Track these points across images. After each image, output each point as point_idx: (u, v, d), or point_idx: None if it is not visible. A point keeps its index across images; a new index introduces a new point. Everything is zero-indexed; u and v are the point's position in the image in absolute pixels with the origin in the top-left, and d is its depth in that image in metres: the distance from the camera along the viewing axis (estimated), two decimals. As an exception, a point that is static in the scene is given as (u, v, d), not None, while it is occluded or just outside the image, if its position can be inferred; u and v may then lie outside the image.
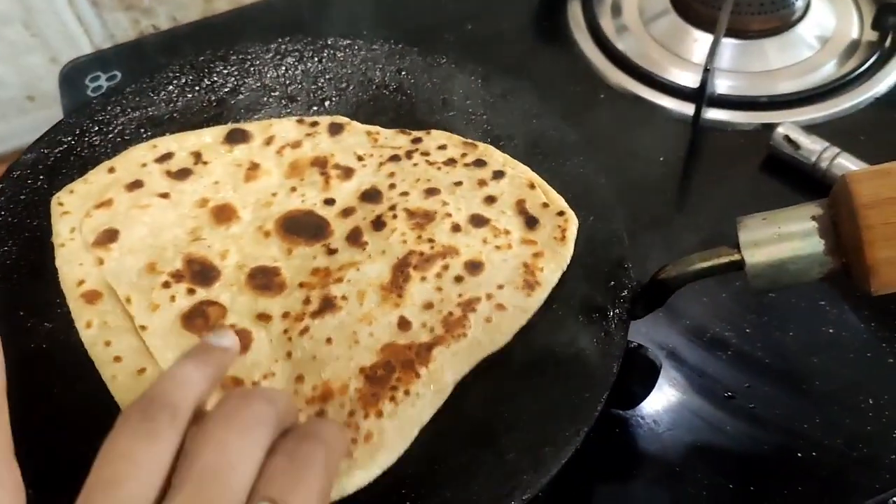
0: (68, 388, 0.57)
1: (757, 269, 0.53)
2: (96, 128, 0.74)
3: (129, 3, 1.06)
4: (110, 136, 0.73)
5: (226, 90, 0.77)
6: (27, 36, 1.03)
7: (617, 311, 0.59)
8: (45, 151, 0.71)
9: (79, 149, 0.72)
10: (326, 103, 0.76)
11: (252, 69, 0.78)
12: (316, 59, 0.78)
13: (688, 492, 0.63)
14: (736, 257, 0.54)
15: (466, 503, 0.52)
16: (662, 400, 0.68)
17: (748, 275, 0.54)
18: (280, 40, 0.79)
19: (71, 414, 0.56)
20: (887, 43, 0.90)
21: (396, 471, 0.54)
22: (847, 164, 0.76)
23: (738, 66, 0.91)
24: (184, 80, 0.77)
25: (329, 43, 0.78)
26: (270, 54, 0.78)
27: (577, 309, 0.61)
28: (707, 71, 0.80)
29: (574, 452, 0.53)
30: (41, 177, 0.70)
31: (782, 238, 0.52)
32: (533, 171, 0.68)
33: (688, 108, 0.87)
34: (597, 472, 0.65)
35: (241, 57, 0.78)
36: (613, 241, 0.63)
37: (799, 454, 0.64)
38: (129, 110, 0.75)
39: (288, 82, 0.77)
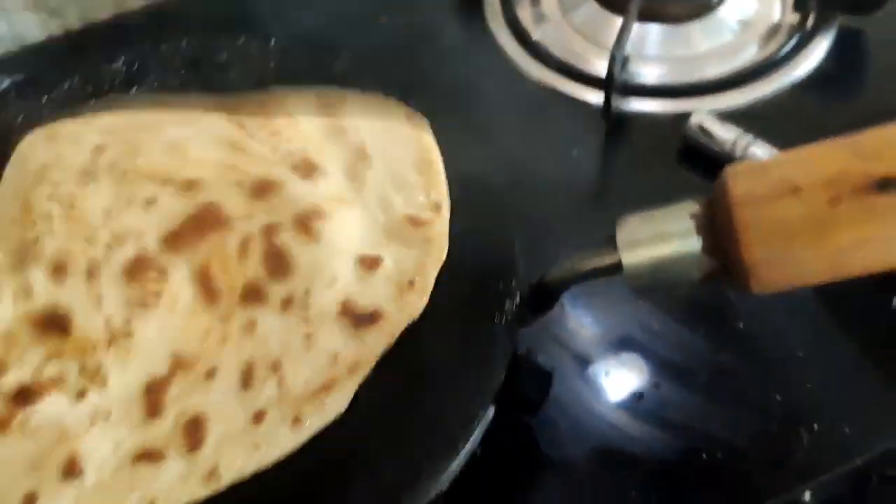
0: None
1: (635, 271, 0.50)
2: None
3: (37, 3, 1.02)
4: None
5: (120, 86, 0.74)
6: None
7: (505, 315, 0.56)
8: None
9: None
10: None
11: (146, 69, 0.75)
12: (209, 57, 0.75)
13: (592, 496, 0.61)
14: (616, 258, 0.52)
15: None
16: (567, 403, 0.65)
17: (626, 275, 0.51)
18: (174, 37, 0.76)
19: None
20: (808, 24, 0.88)
21: (270, 485, 0.51)
22: (760, 152, 0.73)
23: (664, 52, 0.88)
24: (75, 79, 0.74)
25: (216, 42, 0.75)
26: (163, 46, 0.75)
27: (465, 314, 0.58)
28: (613, 57, 0.77)
29: (474, 456, 0.51)
30: None
31: (661, 238, 0.50)
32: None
33: (596, 97, 0.84)
34: (496, 482, 0.62)
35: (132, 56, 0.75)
36: (504, 242, 0.60)
37: (704, 456, 0.61)
38: (18, 110, 0.73)
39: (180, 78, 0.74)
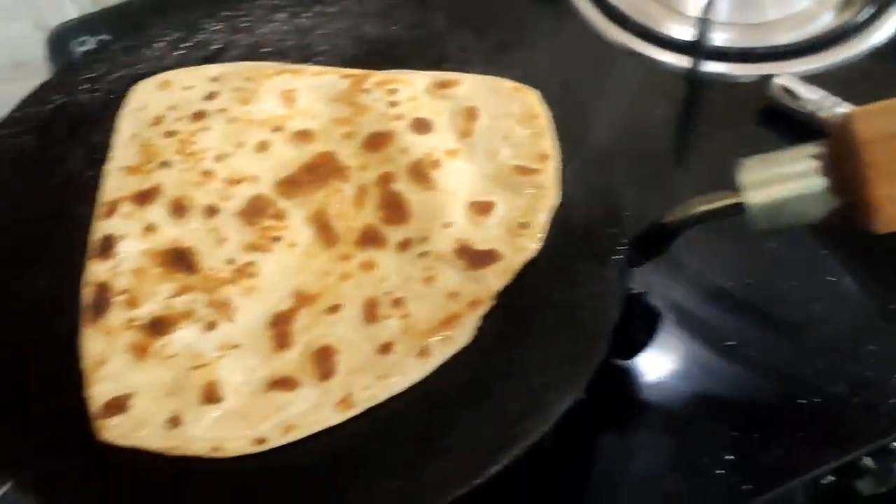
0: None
1: (757, 211, 0.52)
2: (85, 85, 0.72)
3: (116, -35, 1.05)
4: (98, 93, 0.72)
5: (216, 47, 0.76)
6: (10, 0, 1.02)
7: (616, 257, 0.58)
8: (34, 109, 0.70)
9: (68, 106, 0.71)
10: (319, 58, 0.74)
11: (243, 26, 0.76)
12: (307, 14, 0.76)
13: (691, 440, 0.63)
14: (736, 200, 0.54)
15: (468, 451, 0.51)
16: (663, 350, 0.68)
17: (749, 216, 0.53)
18: (270, -3, 0.77)
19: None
20: (885, -8, 0.89)
21: (399, 413, 0.53)
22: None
23: (735, 19, 0.90)
24: (173, 38, 0.76)
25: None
26: (261, 11, 0.76)
27: (577, 255, 0.60)
28: (704, 21, 0.79)
29: (576, 401, 0.53)
30: (31, 134, 0.69)
31: (783, 178, 0.52)
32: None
33: (684, 62, 0.86)
34: (599, 422, 0.64)
35: (230, 14, 0.77)
36: (612, 190, 0.62)
37: (801, 401, 0.64)
38: (117, 68, 0.74)
39: (280, 38, 0.76)
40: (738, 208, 0.53)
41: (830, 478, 0.65)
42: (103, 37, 0.99)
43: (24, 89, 1.07)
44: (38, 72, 1.07)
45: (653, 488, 0.61)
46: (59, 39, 0.99)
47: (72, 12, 1.05)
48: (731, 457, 0.61)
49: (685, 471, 0.62)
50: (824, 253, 0.70)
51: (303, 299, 0.60)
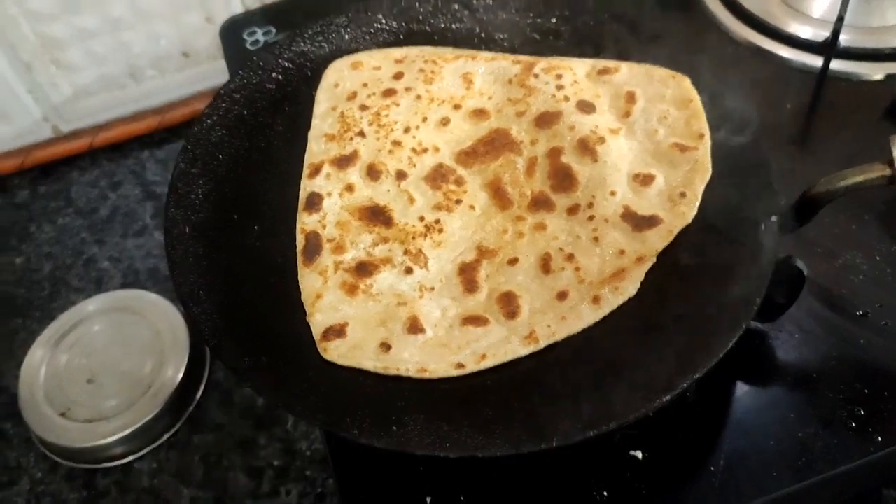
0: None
1: (909, 182, 0.59)
2: (284, 64, 0.83)
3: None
4: (292, 72, 0.83)
5: (391, 37, 0.85)
6: (185, -4, 1.14)
7: (768, 225, 0.65)
8: (243, 83, 0.80)
9: (270, 81, 0.81)
10: (488, 47, 0.84)
11: (415, 15, 0.86)
12: (479, 6, 0.86)
13: (825, 395, 0.69)
14: (888, 171, 0.60)
15: (642, 382, 0.59)
16: (798, 317, 0.74)
17: (900, 188, 0.59)
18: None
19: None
20: None
21: (578, 350, 0.61)
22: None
23: (857, 22, 0.95)
24: (353, 27, 0.86)
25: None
26: (435, 2, 0.86)
27: (731, 222, 0.67)
28: (840, 21, 0.85)
29: (727, 352, 0.60)
30: (240, 104, 0.79)
31: (934, 153, 0.58)
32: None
33: (809, 59, 0.93)
34: (740, 376, 0.71)
35: (408, 4, 0.86)
36: (761, 164, 0.69)
37: (933, 366, 0.69)
38: (308, 51, 0.84)
39: (451, 28, 0.85)
40: (890, 180, 0.60)
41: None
42: (269, 28, 1.10)
43: (191, 77, 1.21)
44: (205, 60, 1.20)
45: (789, 435, 0.67)
46: (231, 31, 1.10)
47: (237, 8, 1.16)
48: (863, 411, 0.67)
49: (819, 422, 0.68)
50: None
51: (484, 253, 0.68)
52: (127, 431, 0.91)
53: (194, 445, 0.92)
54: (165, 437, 0.93)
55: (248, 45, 1.08)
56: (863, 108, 0.89)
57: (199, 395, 0.96)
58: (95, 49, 1.15)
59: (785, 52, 0.94)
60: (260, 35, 1.09)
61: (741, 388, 0.71)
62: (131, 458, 0.92)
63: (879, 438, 0.66)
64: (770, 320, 0.72)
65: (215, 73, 1.20)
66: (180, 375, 0.94)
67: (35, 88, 1.16)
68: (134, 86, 1.20)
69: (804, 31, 0.96)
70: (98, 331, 1.00)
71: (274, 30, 1.09)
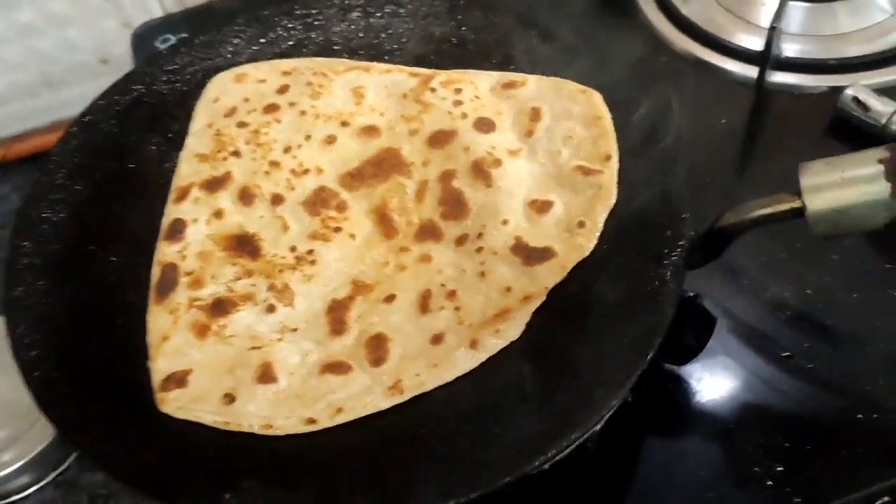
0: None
1: (819, 215, 0.52)
2: (165, 77, 0.76)
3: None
4: (178, 84, 0.75)
5: (290, 44, 0.78)
6: (102, 0, 1.07)
7: (673, 258, 0.58)
8: (117, 98, 0.73)
9: (148, 96, 0.74)
10: (387, 57, 0.76)
11: (316, 24, 0.79)
12: (379, 14, 0.78)
13: (743, 449, 0.62)
14: (797, 204, 0.53)
15: (515, 441, 0.52)
16: (717, 357, 0.67)
17: (809, 220, 0.52)
18: (343, -3, 0.80)
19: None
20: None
21: (448, 402, 0.54)
22: (919, 126, 0.73)
23: (808, 30, 0.88)
24: (249, 34, 0.79)
25: (391, -1, 0.79)
26: (334, 10, 0.79)
27: (632, 255, 0.60)
28: (773, 30, 0.78)
29: (625, 402, 0.53)
30: (112, 121, 0.72)
31: (846, 182, 0.51)
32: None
33: (753, 72, 0.85)
34: (649, 426, 0.64)
35: (305, 12, 0.79)
36: (671, 192, 0.62)
37: (860, 416, 0.62)
38: (196, 61, 0.77)
39: (351, 36, 0.78)
40: (798, 213, 0.53)
41: (886, 498, 0.63)
42: (184, 35, 1.03)
43: (111, 84, 1.14)
44: (123, 68, 1.12)
45: (700, 495, 0.60)
46: (144, 37, 1.04)
47: (156, 12, 1.10)
48: (782, 468, 0.60)
49: (734, 479, 0.61)
50: (888, 267, 0.69)
51: (360, 288, 0.61)
52: (11, 468, 0.84)
53: (82, 485, 0.86)
54: (53, 475, 0.86)
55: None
56: (805, 124, 0.82)
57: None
58: (4, 56, 1.08)
59: (724, 62, 0.88)
60: (174, 41, 1.02)
61: (650, 439, 0.64)
62: (16, 497, 0.85)
63: (798, 500, 0.59)
64: (682, 363, 0.65)
65: (136, 81, 1.13)
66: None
67: (-58, 97, 1.09)
68: (49, 94, 1.14)
69: (748, 41, 0.88)
70: (-18, 359, 0.93)
71: (188, 36, 1.02)
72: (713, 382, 0.66)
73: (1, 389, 0.89)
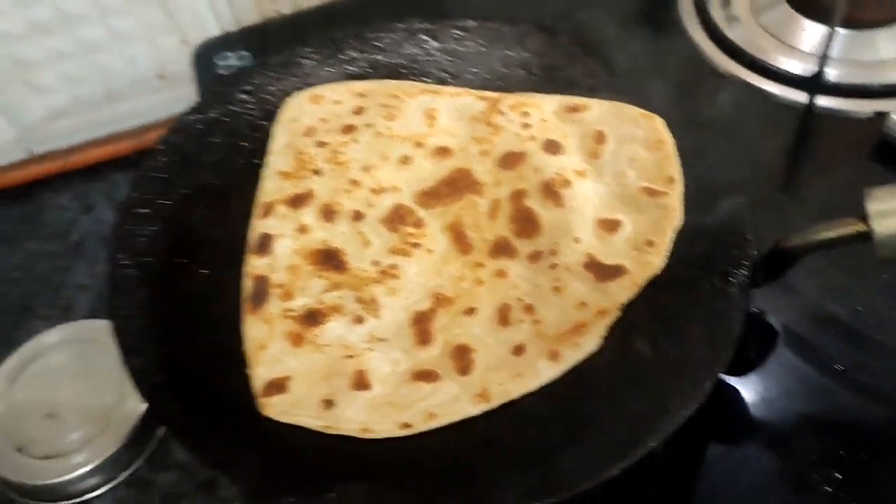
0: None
1: (885, 240, 0.55)
2: (241, 97, 0.80)
3: (257, -12, 1.13)
4: (253, 103, 0.80)
5: (361, 66, 0.82)
6: (162, 17, 1.11)
7: (740, 277, 0.62)
8: (199, 117, 0.77)
9: (227, 115, 0.79)
10: (455, 80, 0.80)
11: (385, 47, 0.83)
12: (446, 39, 0.82)
13: (800, 456, 0.66)
14: (862, 228, 0.57)
15: (596, 447, 0.56)
16: (773, 370, 0.70)
17: (876, 245, 0.56)
18: (411, 20, 0.84)
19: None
20: None
21: (532, 409, 0.58)
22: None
23: (848, 56, 0.92)
24: (320, 56, 0.83)
25: (458, 24, 0.82)
26: (403, 34, 0.83)
27: (699, 273, 0.64)
28: (823, 58, 0.82)
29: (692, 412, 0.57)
30: (194, 139, 0.76)
31: (913, 208, 0.55)
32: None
33: (796, 95, 0.89)
34: (710, 434, 0.68)
35: (374, 35, 0.83)
36: (735, 212, 0.66)
37: (914, 427, 0.66)
38: (272, 81, 0.81)
39: (419, 60, 0.82)
40: (864, 237, 0.56)
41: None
42: (242, 52, 1.07)
43: (166, 100, 1.18)
44: (180, 83, 1.17)
45: (761, 499, 0.64)
46: (204, 55, 1.08)
47: (213, 30, 1.14)
48: (839, 475, 0.64)
49: (793, 485, 0.65)
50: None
51: (441, 301, 0.65)
52: (86, 468, 0.88)
53: (155, 484, 0.89)
54: (125, 474, 0.90)
55: (220, 70, 1.05)
56: (851, 147, 0.86)
57: (161, 432, 0.93)
58: (69, 70, 1.13)
59: (771, 86, 0.91)
60: (233, 59, 1.06)
61: (713, 447, 0.68)
62: (89, 496, 0.89)
63: (856, 505, 0.63)
64: (742, 375, 0.69)
65: (192, 95, 1.16)
66: (142, 410, 0.91)
67: (7, 110, 1.14)
68: (109, 108, 1.18)
69: (792, 66, 0.92)
70: (60, 362, 0.97)
71: (248, 54, 1.07)
72: (770, 394, 0.69)
73: (76, 393, 0.93)
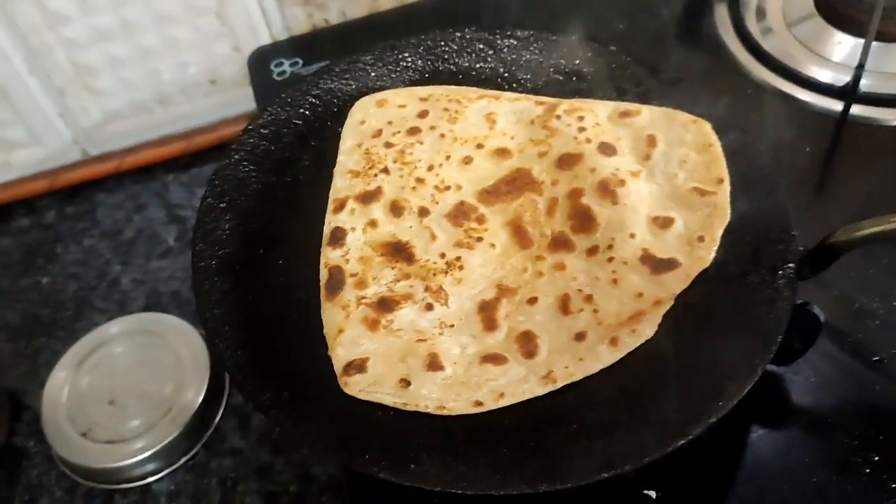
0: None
1: (929, 234, 0.60)
2: (311, 101, 0.85)
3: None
4: (320, 108, 0.85)
5: (421, 72, 0.87)
6: (217, 25, 1.16)
7: (787, 270, 0.66)
8: (270, 119, 0.82)
9: (297, 118, 0.83)
10: (511, 87, 0.85)
11: (444, 55, 0.88)
12: (502, 47, 0.87)
13: (840, 440, 0.70)
14: (911, 224, 0.61)
15: (658, 424, 0.60)
16: (813, 360, 0.74)
17: (920, 239, 0.60)
18: (466, 29, 0.88)
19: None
20: None
21: (595, 390, 0.63)
22: None
23: (879, 67, 0.96)
24: (383, 62, 0.88)
25: (513, 34, 0.87)
26: (461, 41, 0.88)
27: (749, 267, 0.68)
28: (860, 67, 0.86)
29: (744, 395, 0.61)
30: (267, 140, 0.81)
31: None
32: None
33: (830, 104, 0.94)
34: (756, 419, 0.72)
35: (433, 44, 0.88)
36: (779, 210, 0.70)
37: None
38: (339, 87, 0.86)
39: (476, 67, 0.87)
40: (910, 232, 0.61)
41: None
42: (296, 59, 1.12)
43: (217, 103, 1.23)
44: (231, 88, 1.22)
45: (804, 479, 0.68)
46: (258, 61, 1.13)
47: (265, 39, 1.19)
48: (878, 457, 0.68)
49: (834, 467, 0.68)
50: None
51: (504, 291, 0.70)
52: (146, 454, 0.92)
53: (212, 469, 0.93)
54: (183, 460, 0.94)
55: (274, 76, 1.10)
56: (884, 154, 0.90)
57: (217, 419, 0.97)
58: (126, 76, 1.18)
59: (806, 95, 0.95)
60: (287, 66, 1.11)
61: (756, 431, 0.72)
62: (150, 479, 0.93)
63: (894, 485, 0.66)
64: (786, 364, 0.73)
65: (241, 100, 1.22)
66: (200, 399, 0.95)
67: (66, 113, 1.19)
68: (162, 111, 1.23)
69: (824, 76, 0.97)
70: (120, 353, 1.02)
71: (301, 61, 1.11)
72: (812, 383, 0.73)
73: (136, 382, 0.98)
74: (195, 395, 0.96)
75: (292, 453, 0.92)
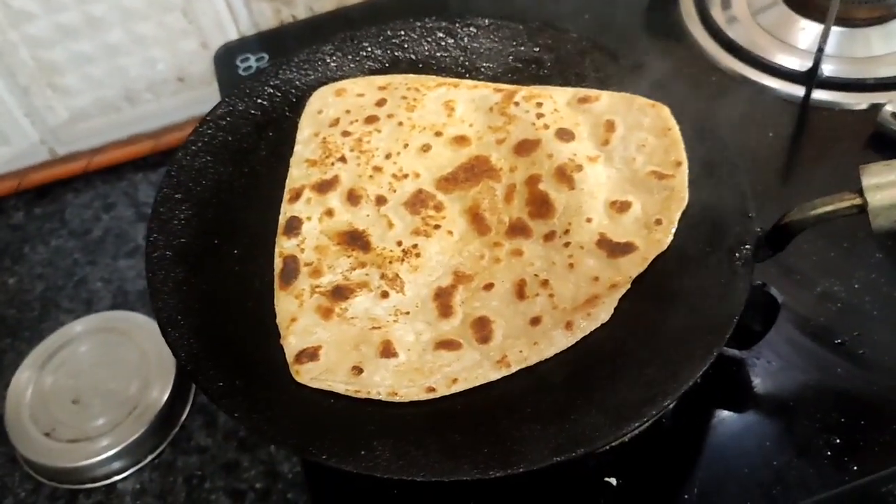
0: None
1: (879, 210, 0.59)
2: (269, 91, 0.84)
3: (273, -6, 1.17)
4: (278, 99, 0.84)
5: (381, 62, 0.87)
6: (185, 22, 1.15)
7: (744, 252, 0.66)
8: (229, 110, 0.81)
9: (255, 108, 0.83)
10: (471, 75, 0.85)
11: (404, 44, 0.87)
12: (461, 35, 0.86)
13: (801, 423, 0.69)
14: (858, 201, 0.61)
15: (612, 408, 0.59)
16: (775, 344, 0.74)
17: (871, 216, 0.60)
18: (427, 19, 0.88)
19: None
20: None
21: (549, 374, 0.62)
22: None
23: (842, 52, 0.96)
24: (342, 53, 0.87)
25: (472, 22, 0.87)
26: (420, 31, 0.87)
27: (705, 249, 0.67)
28: (820, 52, 0.86)
29: (695, 383, 0.60)
30: (224, 131, 0.80)
31: (905, 181, 0.59)
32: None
33: (794, 90, 0.93)
34: (716, 402, 0.71)
35: (392, 33, 0.87)
36: (738, 193, 0.70)
37: (910, 394, 0.69)
38: (297, 77, 0.85)
39: (436, 56, 0.86)
40: (860, 208, 0.60)
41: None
42: (262, 55, 1.11)
43: (186, 101, 1.22)
44: (199, 85, 1.22)
45: (766, 463, 0.67)
46: (224, 57, 1.12)
47: (232, 35, 1.18)
48: (839, 440, 0.67)
49: (795, 450, 0.68)
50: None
51: (461, 278, 0.69)
52: (111, 452, 0.92)
53: (178, 467, 0.93)
54: (149, 458, 0.94)
55: (240, 72, 1.09)
56: (846, 138, 0.90)
57: (184, 417, 0.97)
58: (92, 73, 1.17)
59: (769, 81, 0.95)
60: (253, 61, 1.11)
61: (718, 415, 0.72)
62: (115, 478, 0.93)
63: (855, 468, 0.66)
64: (747, 347, 0.72)
65: (209, 97, 1.20)
66: (165, 397, 0.94)
67: (32, 112, 1.18)
68: (129, 109, 1.22)
69: (789, 62, 0.96)
70: (85, 351, 1.01)
71: (267, 56, 1.11)
72: (773, 366, 0.73)
73: (101, 381, 0.97)
74: (161, 393, 0.95)
75: (259, 450, 0.92)
